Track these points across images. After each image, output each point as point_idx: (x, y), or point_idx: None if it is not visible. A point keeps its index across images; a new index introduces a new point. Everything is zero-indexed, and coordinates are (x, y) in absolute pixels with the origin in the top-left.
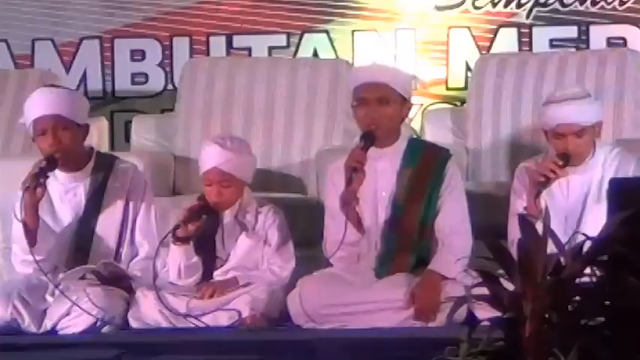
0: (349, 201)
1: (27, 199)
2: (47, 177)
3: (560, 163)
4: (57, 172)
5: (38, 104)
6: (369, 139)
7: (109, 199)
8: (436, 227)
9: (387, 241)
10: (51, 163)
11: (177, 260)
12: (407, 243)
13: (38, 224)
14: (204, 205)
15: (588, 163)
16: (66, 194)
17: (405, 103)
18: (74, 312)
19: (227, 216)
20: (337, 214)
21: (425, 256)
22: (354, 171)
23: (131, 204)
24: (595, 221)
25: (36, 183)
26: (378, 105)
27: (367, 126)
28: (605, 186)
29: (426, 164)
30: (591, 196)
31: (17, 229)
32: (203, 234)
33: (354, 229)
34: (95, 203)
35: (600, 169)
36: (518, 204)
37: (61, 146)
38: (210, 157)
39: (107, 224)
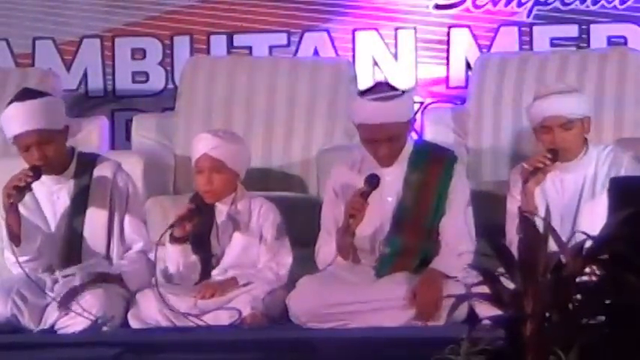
0: (345, 235)
1: (9, 206)
2: (31, 189)
3: (549, 156)
4: None
5: (16, 120)
6: (374, 183)
7: (94, 199)
8: (440, 229)
9: (392, 244)
10: (36, 175)
11: (175, 259)
12: (412, 245)
13: (20, 225)
14: (195, 208)
15: (581, 160)
16: (51, 196)
17: (410, 120)
18: (79, 304)
19: (221, 212)
20: (332, 230)
21: (429, 258)
22: (352, 217)
23: (116, 202)
24: (590, 218)
25: (21, 196)
26: (389, 142)
27: (379, 160)
28: (599, 183)
29: (433, 168)
30: (585, 193)
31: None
32: (198, 232)
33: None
34: (80, 204)
35: (593, 166)
36: (513, 204)
37: (48, 159)
38: (201, 145)
39: (94, 223)
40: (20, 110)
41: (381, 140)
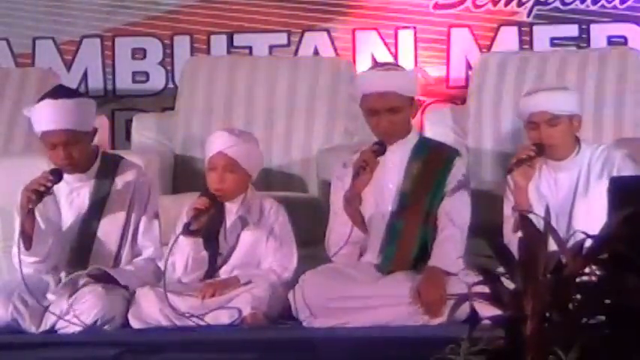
0: (352, 200)
1: (27, 207)
2: (50, 193)
3: (534, 149)
4: None
5: (46, 117)
6: (382, 147)
7: (113, 202)
8: (438, 213)
9: (392, 229)
10: (56, 179)
11: (185, 253)
12: (412, 230)
13: (34, 228)
14: (211, 202)
15: (574, 159)
16: (70, 194)
17: (413, 101)
18: (74, 311)
19: (230, 212)
20: (342, 212)
21: (428, 244)
22: (362, 169)
23: (135, 207)
24: (585, 217)
25: (39, 201)
26: (389, 114)
27: (380, 135)
28: (592, 181)
29: (434, 158)
30: (579, 192)
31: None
32: (207, 230)
33: (357, 229)
34: (98, 205)
35: (586, 165)
36: (509, 206)
37: (73, 160)
38: (217, 143)
39: (109, 226)
40: (53, 107)
41: (382, 111)
